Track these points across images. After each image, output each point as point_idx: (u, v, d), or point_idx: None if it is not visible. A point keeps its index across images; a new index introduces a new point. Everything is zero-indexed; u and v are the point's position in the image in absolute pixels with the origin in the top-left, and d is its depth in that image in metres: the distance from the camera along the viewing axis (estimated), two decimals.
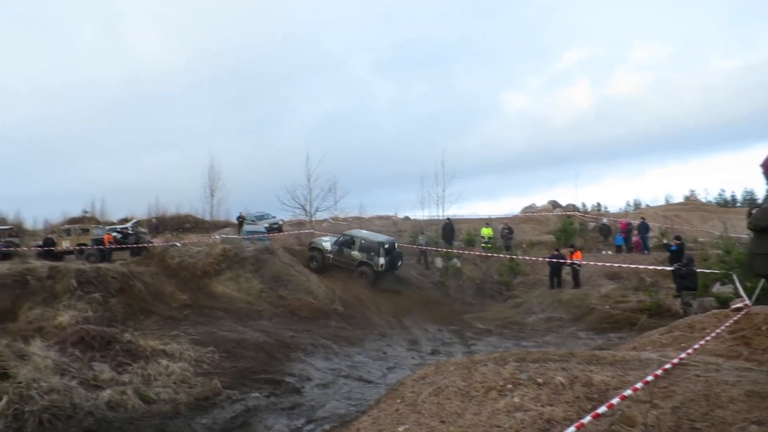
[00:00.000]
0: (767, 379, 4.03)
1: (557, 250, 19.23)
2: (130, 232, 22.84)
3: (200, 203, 30.56)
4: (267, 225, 26.01)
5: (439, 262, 21.02)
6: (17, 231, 24.71)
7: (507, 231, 23.80)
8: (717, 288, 13.35)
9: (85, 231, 21.79)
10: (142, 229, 25.89)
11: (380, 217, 34.57)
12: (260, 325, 12.15)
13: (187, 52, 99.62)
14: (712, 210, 39.67)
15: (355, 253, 17.87)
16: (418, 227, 26.18)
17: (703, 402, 3.73)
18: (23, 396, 5.96)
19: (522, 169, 78.62)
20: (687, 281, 12.32)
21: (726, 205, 46.74)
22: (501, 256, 21.20)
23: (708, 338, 5.75)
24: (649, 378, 4.10)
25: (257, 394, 7.71)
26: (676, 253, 15.68)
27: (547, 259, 18.47)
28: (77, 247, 20.35)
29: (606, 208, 46.60)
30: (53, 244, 20.11)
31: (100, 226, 24.76)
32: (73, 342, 7.94)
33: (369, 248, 17.76)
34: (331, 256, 18.23)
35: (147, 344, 8.65)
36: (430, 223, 26.85)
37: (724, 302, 10.84)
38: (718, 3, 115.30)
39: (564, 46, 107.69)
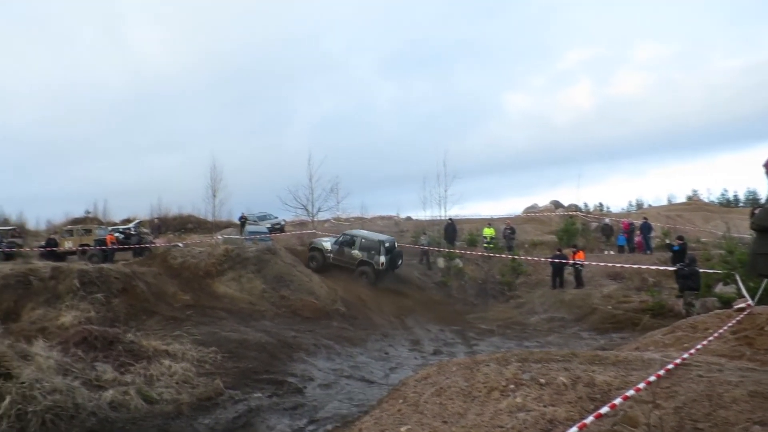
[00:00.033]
0: None
1: (559, 250, 19.23)
2: (132, 232, 22.86)
3: (202, 204, 30.50)
4: (269, 225, 25.93)
5: (441, 262, 21.02)
6: (20, 232, 24.72)
7: (509, 231, 23.75)
8: (720, 288, 13.32)
9: (88, 231, 21.77)
10: (145, 230, 25.92)
11: (382, 218, 34.51)
12: (262, 326, 12.15)
13: (187, 53, 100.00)
14: (714, 210, 39.51)
15: (356, 252, 17.88)
16: (420, 227, 26.13)
17: (706, 402, 3.72)
18: (26, 396, 5.98)
19: (524, 169, 78.49)
20: (690, 281, 12.28)
21: (728, 205, 46.54)
22: (503, 256, 21.14)
23: (711, 338, 5.73)
24: (652, 378, 4.09)
25: (259, 395, 7.73)
26: (679, 253, 15.62)
27: (550, 260, 18.44)
28: (80, 248, 20.33)
29: (608, 208, 46.31)
30: (56, 244, 20.13)
31: (102, 226, 24.74)
32: (75, 342, 7.97)
33: (369, 247, 17.77)
34: (332, 255, 18.24)
35: (149, 344, 8.68)
36: (432, 223, 26.81)
37: (726, 302, 10.82)
38: (720, 3, 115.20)
39: (565, 46, 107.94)
